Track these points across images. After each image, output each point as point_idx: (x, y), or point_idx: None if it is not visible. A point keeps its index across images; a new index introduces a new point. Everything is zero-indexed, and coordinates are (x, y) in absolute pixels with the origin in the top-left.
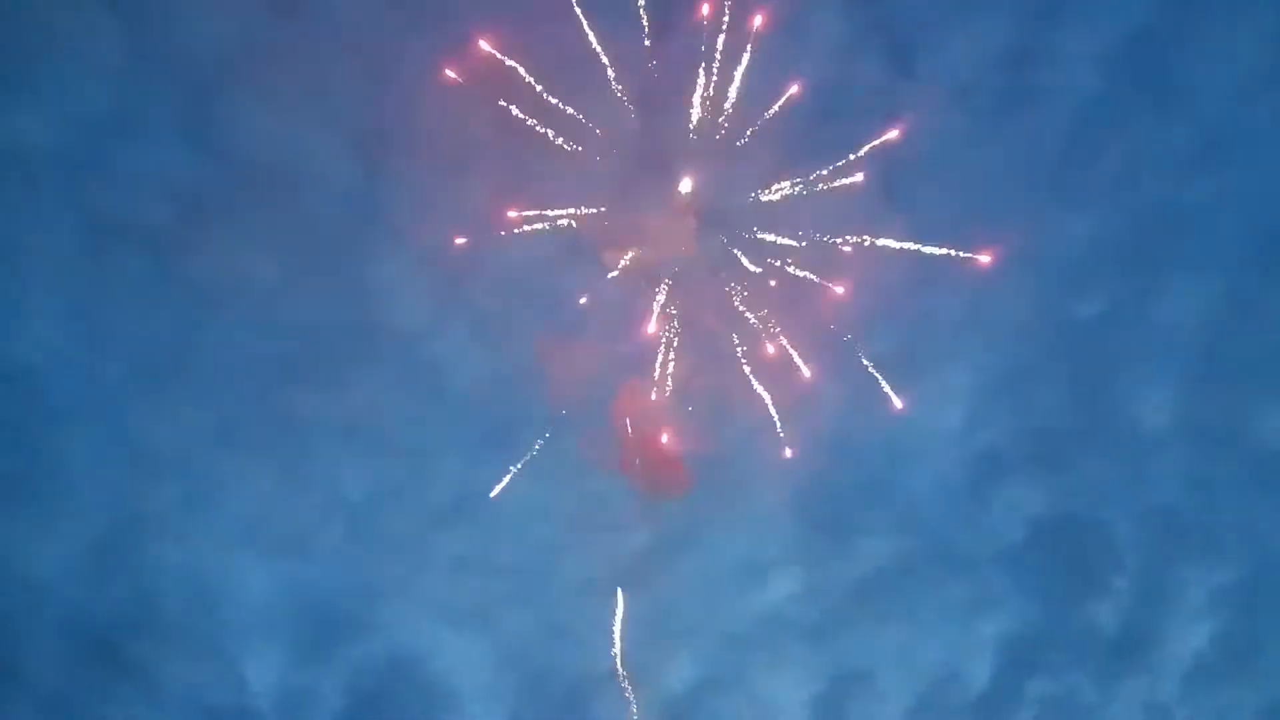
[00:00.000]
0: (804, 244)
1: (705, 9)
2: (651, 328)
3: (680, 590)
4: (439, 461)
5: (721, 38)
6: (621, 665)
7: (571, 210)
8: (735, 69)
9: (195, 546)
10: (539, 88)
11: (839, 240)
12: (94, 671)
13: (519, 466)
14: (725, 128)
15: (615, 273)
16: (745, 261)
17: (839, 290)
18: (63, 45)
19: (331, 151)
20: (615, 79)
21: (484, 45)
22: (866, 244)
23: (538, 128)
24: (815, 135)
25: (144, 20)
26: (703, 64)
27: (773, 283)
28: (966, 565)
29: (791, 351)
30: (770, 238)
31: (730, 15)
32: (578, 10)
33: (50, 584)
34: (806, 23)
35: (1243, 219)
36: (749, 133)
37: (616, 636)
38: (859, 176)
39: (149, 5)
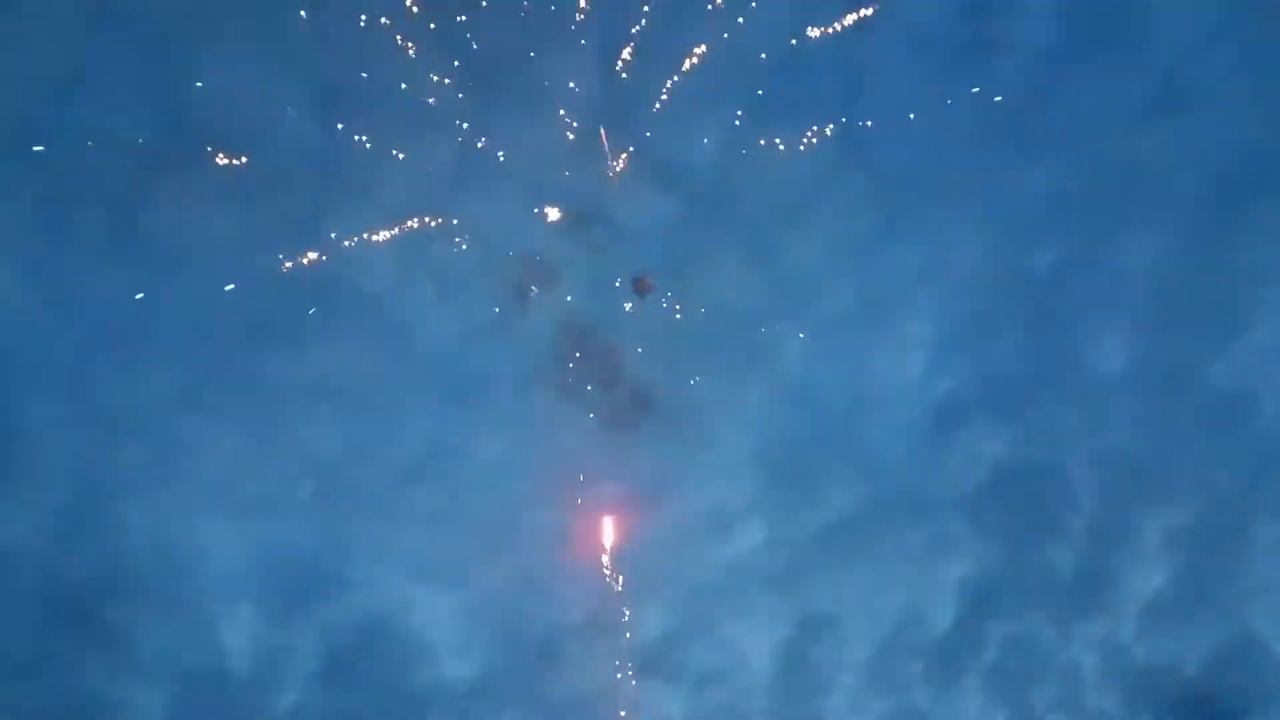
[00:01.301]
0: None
1: None
2: None
3: (648, 543)
4: (407, 419)
5: None
6: None
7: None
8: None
9: (164, 510)
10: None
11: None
12: (66, 637)
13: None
14: (681, 83)
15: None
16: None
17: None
18: (11, 2)
19: (293, 108)
20: (574, 31)
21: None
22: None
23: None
24: (771, 89)
25: None
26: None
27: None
28: (928, 511)
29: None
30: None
31: None
32: None
33: (17, 551)
34: None
35: (1198, 168)
36: (706, 90)
37: None
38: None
39: None
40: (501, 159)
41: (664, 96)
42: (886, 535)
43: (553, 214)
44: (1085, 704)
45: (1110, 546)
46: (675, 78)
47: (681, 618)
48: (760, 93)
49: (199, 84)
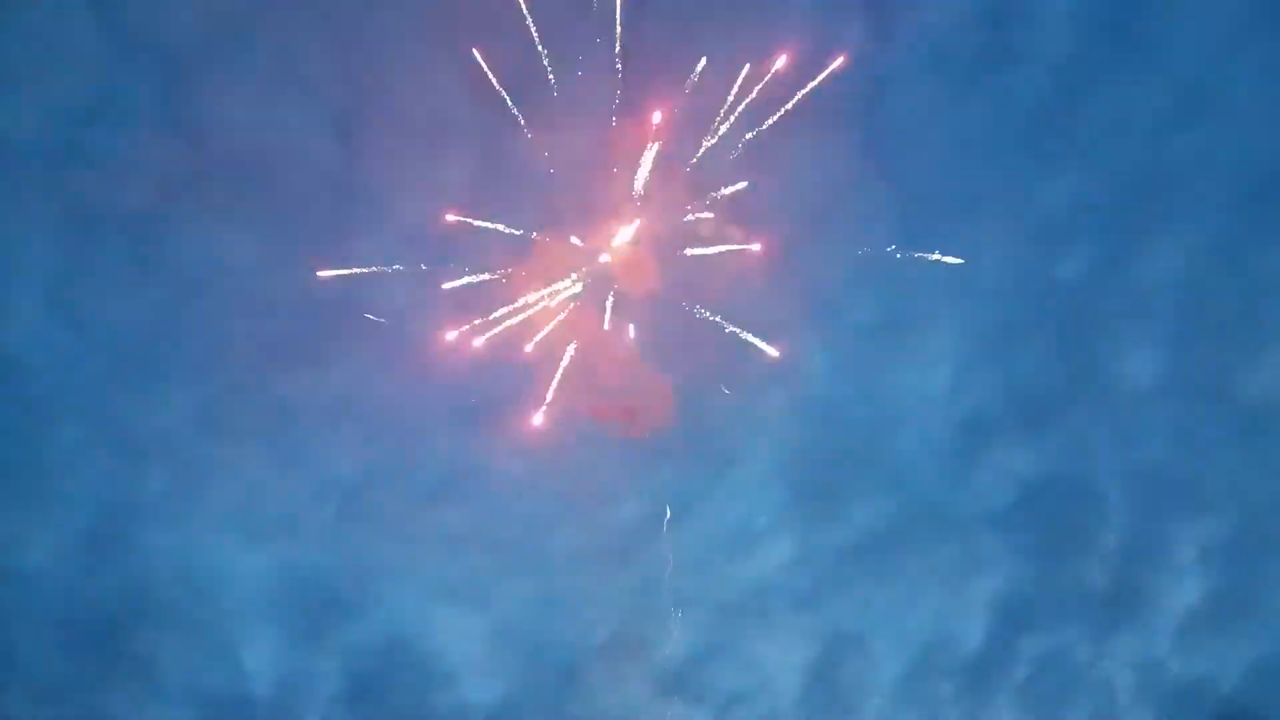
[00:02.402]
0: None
1: None
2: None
3: (674, 561)
4: (428, 439)
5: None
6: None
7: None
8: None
9: (187, 533)
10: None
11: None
12: (90, 661)
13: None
14: (704, 96)
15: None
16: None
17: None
18: (37, 33)
19: (310, 131)
20: (592, 49)
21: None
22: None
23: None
24: (795, 103)
25: (119, 4)
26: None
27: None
28: (957, 527)
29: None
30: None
31: None
32: None
33: (43, 575)
34: None
35: (1222, 174)
36: (728, 101)
37: None
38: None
39: None
40: (518, 176)
41: (681, 106)
42: (915, 552)
43: (573, 229)
44: None
45: (1144, 561)
46: (691, 89)
47: (707, 637)
48: (785, 106)
49: (219, 109)
